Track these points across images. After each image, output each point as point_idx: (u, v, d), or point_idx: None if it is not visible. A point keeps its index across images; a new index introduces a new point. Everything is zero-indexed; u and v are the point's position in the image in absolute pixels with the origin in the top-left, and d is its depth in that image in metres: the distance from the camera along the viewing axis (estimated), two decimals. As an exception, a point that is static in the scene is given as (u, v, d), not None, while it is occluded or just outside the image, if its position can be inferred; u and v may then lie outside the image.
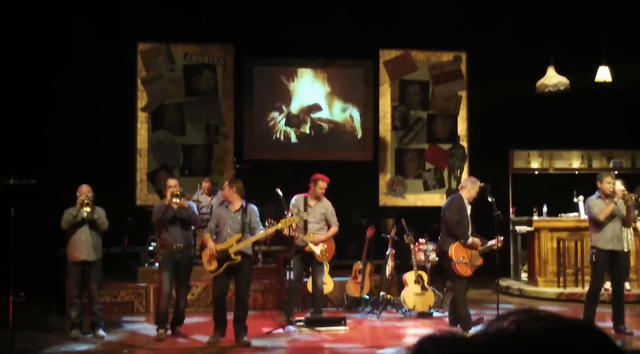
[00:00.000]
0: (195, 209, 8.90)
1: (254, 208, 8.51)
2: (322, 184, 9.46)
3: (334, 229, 9.54)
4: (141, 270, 10.94)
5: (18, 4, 11.91)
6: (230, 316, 8.37)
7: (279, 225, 8.60)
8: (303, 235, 9.29)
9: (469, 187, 8.74)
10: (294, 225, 9.04)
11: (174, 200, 8.45)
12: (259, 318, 9.63)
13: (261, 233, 8.46)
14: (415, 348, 1.14)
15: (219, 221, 8.40)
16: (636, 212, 10.64)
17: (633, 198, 8.75)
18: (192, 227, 8.97)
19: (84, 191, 8.47)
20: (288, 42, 13.35)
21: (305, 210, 9.41)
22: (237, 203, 8.42)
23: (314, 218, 9.44)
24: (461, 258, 8.47)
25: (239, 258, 8.23)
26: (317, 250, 9.32)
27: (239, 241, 8.28)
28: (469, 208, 8.67)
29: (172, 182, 8.73)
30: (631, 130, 13.32)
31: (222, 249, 8.22)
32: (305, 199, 9.50)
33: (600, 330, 1.12)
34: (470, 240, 8.51)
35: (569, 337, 1.08)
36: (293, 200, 9.52)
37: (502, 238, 8.77)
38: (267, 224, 8.63)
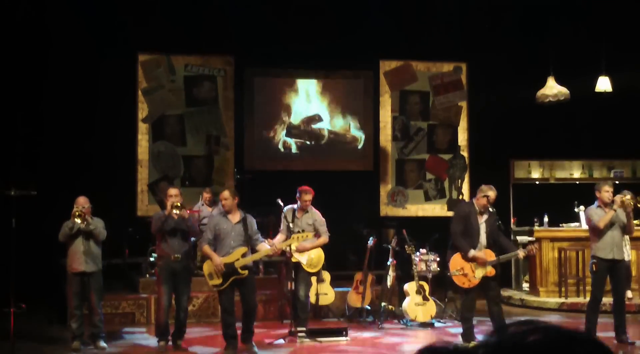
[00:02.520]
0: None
1: (252, 218, 8.42)
2: (304, 197, 9.28)
3: (323, 238, 9.30)
4: (142, 280, 10.91)
5: (18, 14, 11.92)
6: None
7: (290, 241, 8.57)
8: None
9: (478, 195, 8.56)
10: (308, 239, 8.94)
11: (174, 211, 8.36)
12: (260, 329, 9.59)
13: (269, 248, 8.36)
14: None
15: (219, 233, 8.22)
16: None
17: (632, 202, 8.69)
18: (192, 238, 8.92)
19: (81, 203, 8.41)
20: (288, 52, 13.37)
21: (293, 221, 9.28)
22: (237, 213, 8.31)
23: (300, 229, 9.20)
24: (456, 271, 8.34)
25: (246, 272, 8.12)
26: (303, 259, 9.17)
27: (244, 255, 8.14)
28: (482, 217, 8.45)
29: (173, 191, 8.59)
30: (632, 140, 13.32)
31: (228, 263, 8.08)
32: (294, 210, 9.37)
33: (600, 342, 1.12)
34: (472, 253, 8.28)
35: (569, 348, 1.08)
36: (284, 209, 9.36)
37: (534, 247, 8.75)
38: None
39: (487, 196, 8.43)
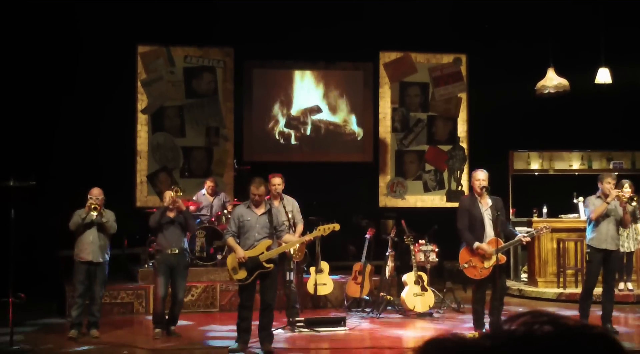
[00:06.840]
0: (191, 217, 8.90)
1: (277, 209, 8.11)
2: (273, 181, 9.04)
3: (300, 227, 9.19)
4: (141, 271, 10.94)
5: (16, 8, 11.91)
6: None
7: (318, 232, 8.16)
8: None
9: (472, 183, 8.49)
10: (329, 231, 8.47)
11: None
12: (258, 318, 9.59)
13: (297, 239, 8.17)
14: (421, 352, 1.12)
15: (243, 225, 7.78)
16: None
17: (626, 199, 8.68)
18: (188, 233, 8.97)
19: (95, 194, 8.55)
20: (288, 44, 13.37)
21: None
22: (262, 205, 7.88)
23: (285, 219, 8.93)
24: (466, 264, 8.32)
25: (271, 266, 7.71)
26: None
27: (269, 248, 7.74)
28: (484, 205, 8.30)
29: (168, 195, 8.82)
30: (631, 131, 13.32)
31: (252, 257, 7.68)
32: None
33: (609, 335, 1.10)
34: (477, 244, 8.19)
35: (579, 341, 1.07)
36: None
37: (527, 237, 8.55)
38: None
39: (475, 179, 8.36)
